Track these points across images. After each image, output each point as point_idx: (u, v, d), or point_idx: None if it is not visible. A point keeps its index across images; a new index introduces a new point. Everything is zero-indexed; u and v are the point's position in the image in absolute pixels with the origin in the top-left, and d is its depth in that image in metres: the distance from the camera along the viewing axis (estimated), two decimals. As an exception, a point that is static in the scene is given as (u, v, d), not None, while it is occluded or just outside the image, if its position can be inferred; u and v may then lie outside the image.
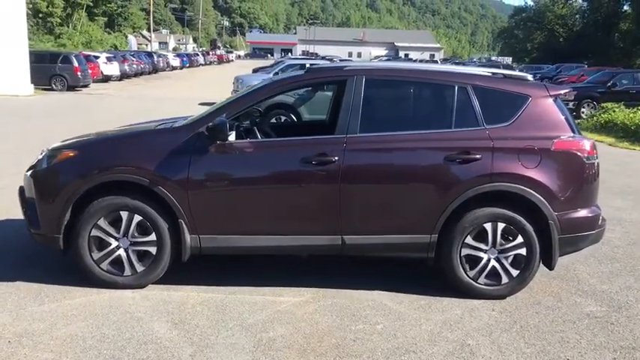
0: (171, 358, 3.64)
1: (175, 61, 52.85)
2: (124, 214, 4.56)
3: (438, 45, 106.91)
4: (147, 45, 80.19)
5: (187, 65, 56.91)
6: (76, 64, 26.60)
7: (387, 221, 4.67)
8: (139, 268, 4.63)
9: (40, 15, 63.53)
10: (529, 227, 4.66)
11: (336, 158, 4.55)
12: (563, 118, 4.81)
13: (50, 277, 4.78)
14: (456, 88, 4.78)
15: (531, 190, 4.60)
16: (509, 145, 4.66)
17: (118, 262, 4.63)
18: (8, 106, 18.97)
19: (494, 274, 4.74)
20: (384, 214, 4.66)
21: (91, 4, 71.70)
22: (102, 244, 4.61)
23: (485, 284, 4.74)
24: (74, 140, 5.01)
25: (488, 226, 4.67)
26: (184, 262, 4.68)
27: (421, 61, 60.69)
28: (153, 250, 4.61)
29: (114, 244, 4.60)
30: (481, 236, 4.69)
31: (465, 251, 4.70)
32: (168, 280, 4.75)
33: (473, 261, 4.72)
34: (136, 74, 38.37)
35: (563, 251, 4.79)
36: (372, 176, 4.67)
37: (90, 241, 4.57)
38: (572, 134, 4.77)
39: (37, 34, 62.33)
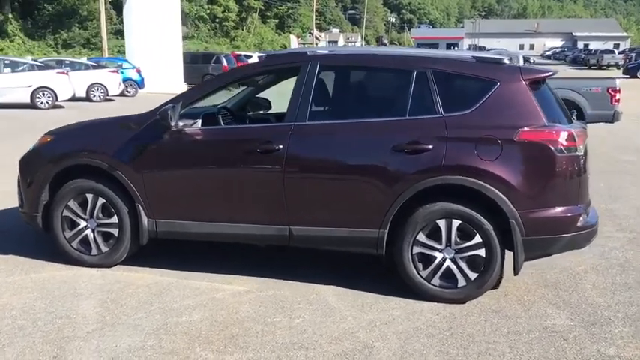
0: (70, 332, 3.82)
1: (332, 59, 54.06)
2: (90, 197, 4.86)
3: (625, 34, 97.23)
4: (316, 44, 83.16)
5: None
6: (225, 63, 28.53)
7: (333, 213, 4.46)
8: (104, 248, 4.91)
9: (217, 20, 68.84)
10: (488, 226, 4.19)
11: (280, 147, 4.44)
12: (536, 105, 4.23)
13: (39, 253, 5.20)
14: (415, 73, 4.41)
15: (488, 185, 4.13)
16: (465, 134, 4.22)
17: (86, 242, 4.94)
18: (158, 102, 20.81)
19: (450, 276, 4.33)
20: (329, 206, 4.46)
21: (263, 7, 76.15)
22: (73, 224, 4.96)
23: (440, 286, 4.34)
24: (62, 126, 5.45)
25: (442, 223, 4.27)
26: (143, 245, 4.88)
27: (595, 51, 55.85)
28: (115, 231, 4.86)
29: (82, 224, 4.92)
30: (436, 234, 4.31)
31: (417, 249, 4.33)
32: (138, 262, 4.99)
33: (426, 259, 4.35)
34: (289, 72, 39.92)
35: (530, 255, 4.24)
36: (317, 166, 4.50)
37: (63, 221, 4.94)
38: (543, 123, 4.18)
39: (213, 38, 67.70)
